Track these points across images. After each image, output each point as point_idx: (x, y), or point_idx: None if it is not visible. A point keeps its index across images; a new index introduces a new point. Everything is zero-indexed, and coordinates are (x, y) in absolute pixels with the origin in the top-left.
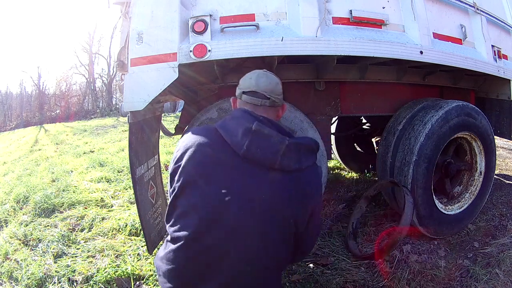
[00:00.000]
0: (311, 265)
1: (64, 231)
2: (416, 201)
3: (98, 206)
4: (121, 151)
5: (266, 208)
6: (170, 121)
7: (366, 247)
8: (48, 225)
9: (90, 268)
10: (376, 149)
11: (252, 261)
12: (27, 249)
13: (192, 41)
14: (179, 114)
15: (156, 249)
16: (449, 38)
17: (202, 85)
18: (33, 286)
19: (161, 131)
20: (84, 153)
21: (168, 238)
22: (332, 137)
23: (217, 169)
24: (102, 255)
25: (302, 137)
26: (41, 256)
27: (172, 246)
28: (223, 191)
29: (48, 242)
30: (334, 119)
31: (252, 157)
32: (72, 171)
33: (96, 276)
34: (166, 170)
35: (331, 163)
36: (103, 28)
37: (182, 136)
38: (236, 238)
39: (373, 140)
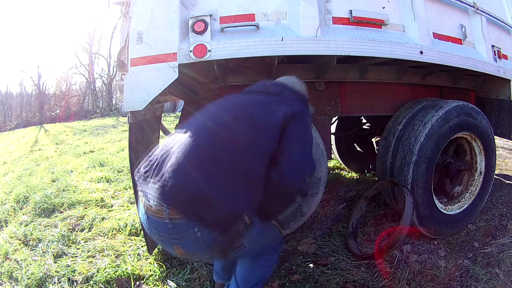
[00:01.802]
0: (311, 265)
1: (64, 231)
2: (416, 201)
3: (98, 206)
4: (121, 151)
5: (246, 112)
6: (170, 121)
7: (366, 247)
8: (48, 225)
9: (90, 268)
10: (376, 149)
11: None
12: (27, 249)
13: (192, 41)
14: (179, 114)
15: (156, 249)
16: (449, 38)
17: (202, 85)
18: (33, 286)
19: (161, 131)
20: (84, 153)
21: None
22: (332, 137)
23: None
24: (102, 255)
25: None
26: (41, 256)
27: None
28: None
29: (48, 242)
30: (334, 119)
31: (251, 90)
32: (72, 171)
33: (96, 276)
34: None
35: (331, 163)
36: (103, 28)
37: None
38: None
39: (373, 140)
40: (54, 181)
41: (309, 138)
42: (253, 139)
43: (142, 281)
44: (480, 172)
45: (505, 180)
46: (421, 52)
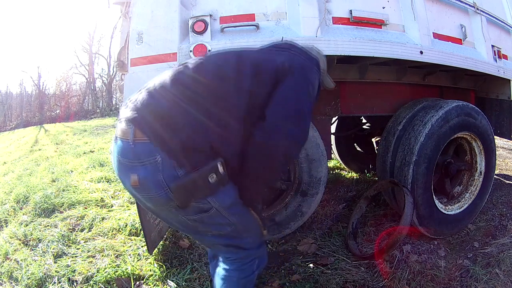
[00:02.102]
0: (311, 265)
1: (64, 231)
2: (416, 201)
3: (98, 206)
4: None
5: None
6: None
7: (366, 247)
8: (48, 225)
9: (90, 268)
10: (376, 149)
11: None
12: (27, 249)
13: (192, 41)
14: None
15: (156, 249)
16: (449, 38)
17: None
18: (33, 286)
19: None
20: (84, 153)
21: None
22: (332, 137)
23: None
24: (102, 255)
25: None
26: (41, 256)
27: None
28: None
29: (48, 242)
30: (334, 119)
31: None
32: (72, 171)
33: (96, 276)
34: None
35: (331, 163)
36: (103, 28)
37: None
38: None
39: (373, 140)
40: (54, 181)
41: (307, 97)
42: (241, 81)
43: (142, 281)
44: (480, 172)
45: (505, 180)
46: (421, 52)
